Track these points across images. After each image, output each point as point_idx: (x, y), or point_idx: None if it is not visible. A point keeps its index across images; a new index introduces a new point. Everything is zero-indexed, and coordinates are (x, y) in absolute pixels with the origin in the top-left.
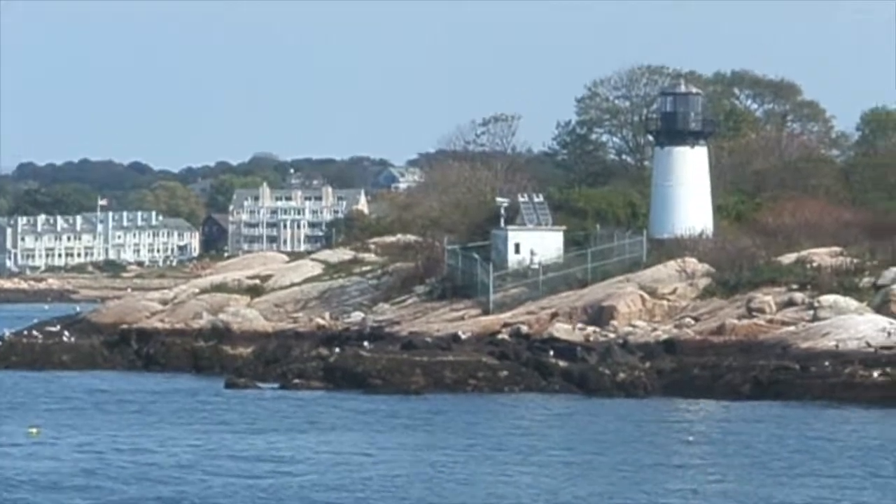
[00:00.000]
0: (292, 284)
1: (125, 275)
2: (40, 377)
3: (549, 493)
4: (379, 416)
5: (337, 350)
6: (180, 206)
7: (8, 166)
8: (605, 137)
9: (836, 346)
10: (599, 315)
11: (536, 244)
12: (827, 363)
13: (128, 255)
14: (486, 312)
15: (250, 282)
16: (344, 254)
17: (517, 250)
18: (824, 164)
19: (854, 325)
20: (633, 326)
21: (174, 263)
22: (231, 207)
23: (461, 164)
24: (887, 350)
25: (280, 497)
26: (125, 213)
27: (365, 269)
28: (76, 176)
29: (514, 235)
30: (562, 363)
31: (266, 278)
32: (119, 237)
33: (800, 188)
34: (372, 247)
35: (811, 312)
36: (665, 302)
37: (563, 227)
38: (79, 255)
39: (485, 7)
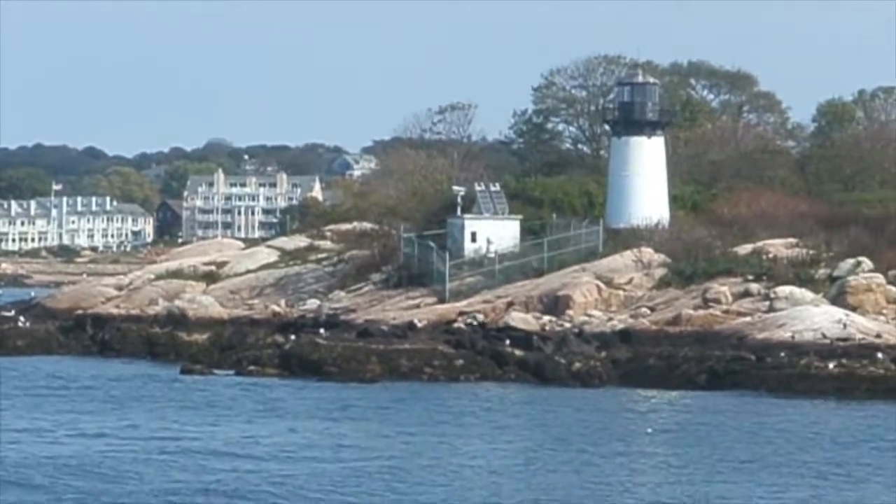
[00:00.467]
0: (248, 271)
1: (79, 260)
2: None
3: (509, 484)
4: (339, 404)
5: (293, 337)
6: (134, 191)
7: None
8: (561, 127)
9: (792, 337)
10: (555, 304)
11: (493, 233)
12: (783, 354)
13: (82, 241)
14: (441, 301)
15: (206, 268)
16: (300, 241)
17: (473, 239)
18: (780, 155)
19: (810, 317)
20: (589, 316)
21: (128, 249)
22: (185, 193)
23: (417, 152)
24: (843, 342)
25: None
26: (79, 199)
27: (321, 256)
28: (30, 160)
29: (470, 224)
30: (517, 352)
31: (222, 265)
32: (73, 222)
33: (755, 179)
34: (328, 234)
35: (767, 303)
36: (621, 292)
37: (520, 217)
38: (33, 239)
39: None
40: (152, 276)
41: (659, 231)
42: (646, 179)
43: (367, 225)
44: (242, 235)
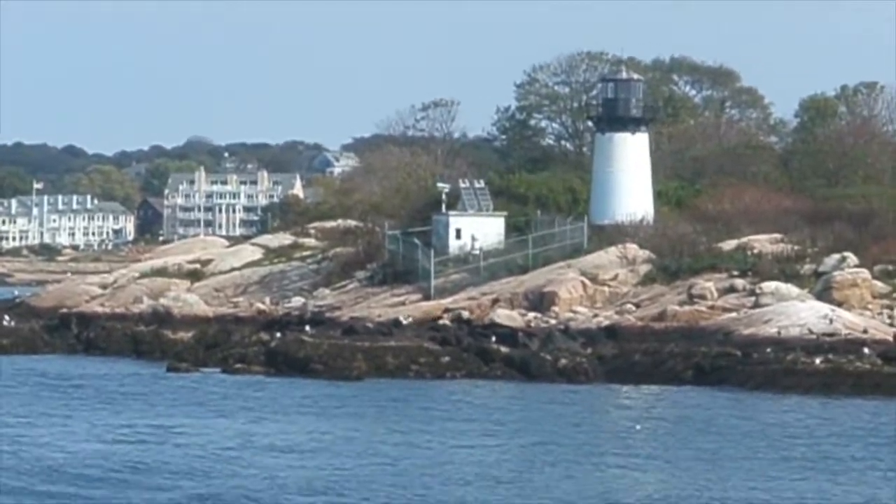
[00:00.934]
0: (232, 269)
1: (60, 258)
2: None
3: (500, 481)
4: (332, 400)
5: (278, 335)
6: (115, 189)
7: None
8: (544, 123)
9: (778, 332)
10: (540, 301)
11: (477, 230)
12: (769, 350)
13: (63, 239)
14: (427, 298)
15: (190, 266)
16: (284, 239)
17: (458, 236)
18: (763, 150)
19: (796, 312)
20: (575, 312)
21: (109, 247)
22: (166, 191)
23: (401, 149)
24: (829, 337)
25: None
26: (60, 197)
27: (305, 254)
28: (10, 159)
29: (455, 221)
30: (503, 349)
31: (206, 263)
32: (54, 221)
33: (739, 175)
34: (312, 232)
35: (752, 299)
36: (606, 288)
37: (504, 213)
38: (14, 238)
39: None
40: (137, 275)
41: (643, 227)
42: (630, 176)
43: (351, 222)
44: (224, 233)
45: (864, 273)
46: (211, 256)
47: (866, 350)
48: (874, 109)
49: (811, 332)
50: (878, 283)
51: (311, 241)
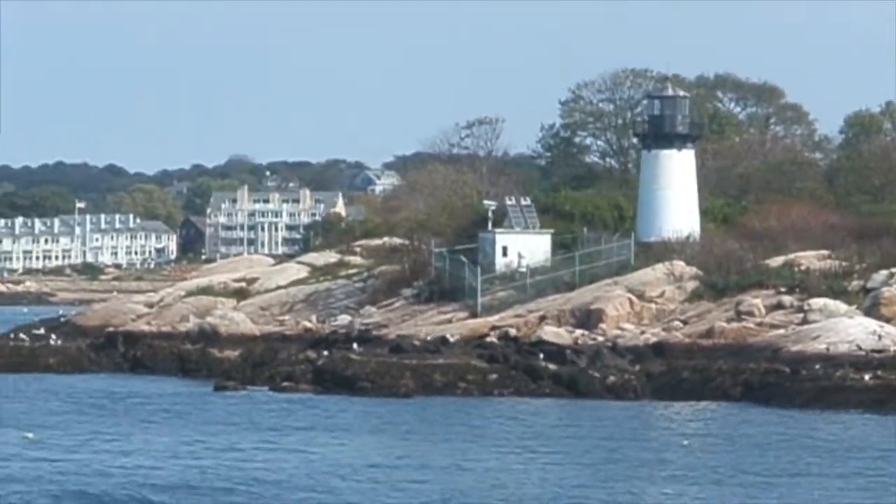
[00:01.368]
0: (278, 287)
1: (103, 277)
2: (34, 380)
3: (553, 496)
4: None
5: (325, 353)
6: (157, 208)
7: None
8: (588, 140)
9: (827, 349)
10: (588, 318)
11: (524, 247)
12: (818, 366)
13: (105, 258)
14: (473, 315)
15: (236, 285)
16: (329, 257)
17: (505, 253)
18: (809, 166)
19: (844, 329)
20: (622, 329)
21: (152, 266)
22: (208, 210)
23: (446, 166)
24: (878, 353)
25: None
26: (103, 216)
27: (351, 272)
28: (52, 178)
29: (501, 238)
30: (551, 366)
31: (252, 281)
32: (97, 240)
33: (784, 191)
34: (357, 250)
35: (800, 315)
36: (653, 305)
37: (551, 231)
38: (56, 257)
39: (463, 8)
40: (182, 293)
41: (690, 244)
42: (676, 192)
43: (396, 240)
44: (266, 252)
45: None
46: (256, 275)
47: None
48: None
49: (860, 348)
50: None
51: (356, 259)
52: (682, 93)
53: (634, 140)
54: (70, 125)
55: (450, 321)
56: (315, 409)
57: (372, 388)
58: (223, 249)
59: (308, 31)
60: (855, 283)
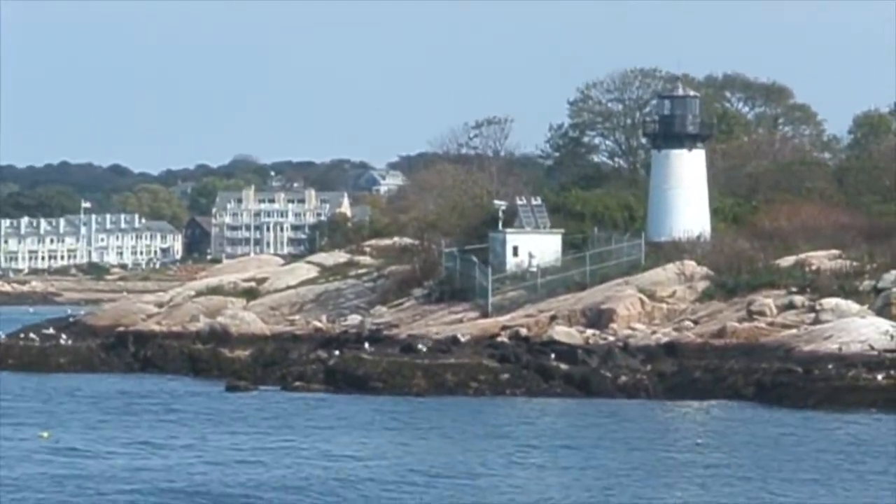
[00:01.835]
0: (288, 287)
1: (108, 277)
2: (48, 380)
3: (570, 494)
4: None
5: (336, 353)
6: (163, 208)
7: None
8: (597, 140)
9: (840, 349)
10: (598, 318)
11: (535, 247)
12: (830, 366)
13: (111, 258)
14: (484, 315)
15: (246, 284)
16: (339, 256)
17: (515, 253)
18: (818, 166)
19: (856, 329)
20: (633, 329)
21: (157, 266)
22: (214, 210)
23: (456, 166)
24: (891, 353)
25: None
26: (108, 216)
27: (361, 271)
28: (56, 178)
29: (512, 238)
30: (563, 366)
31: (262, 281)
32: (102, 240)
33: (794, 191)
34: (367, 250)
35: (812, 315)
36: (664, 305)
37: (562, 230)
38: (62, 257)
39: (469, 8)
40: (192, 293)
41: (701, 244)
42: (687, 192)
43: (406, 240)
44: (271, 252)
45: None
46: (266, 275)
47: None
48: None
49: (872, 348)
50: None
51: (366, 259)
52: (692, 92)
53: (643, 140)
54: (74, 125)
55: (460, 321)
56: (351, 408)
57: (384, 387)
58: (229, 249)
59: (311, 30)
60: (866, 283)
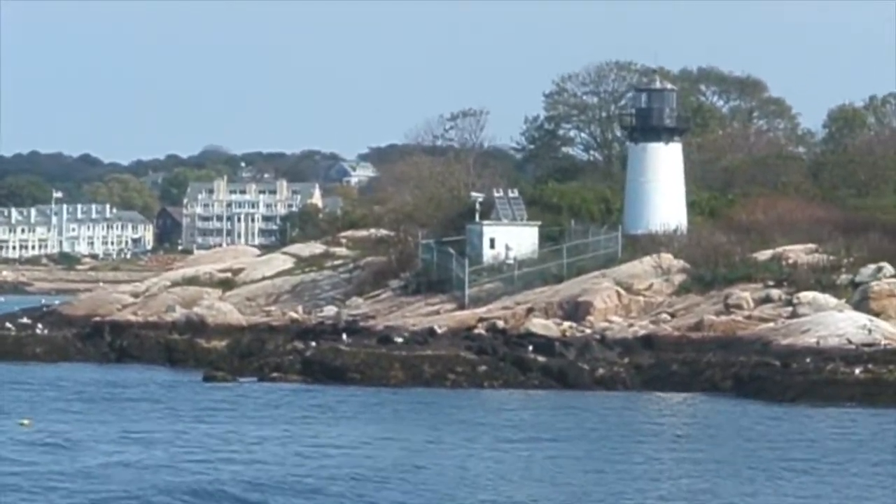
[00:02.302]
0: (264, 278)
1: (79, 267)
2: (25, 370)
3: (548, 486)
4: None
5: (313, 344)
6: (134, 198)
7: None
8: (572, 133)
9: (817, 342)
10: (575, 310)
11: (512, 239)
12: (808, 360)
13: (82, 248)
14: (461, 307)
15: (222, 275)
16: (315, 247)
17: (492, 245)
18: (793, 160)
19: (834, 323)
20: (610, 322)
21: (128, 256)
22: (185, 201)
23: (433, 158)
24: (868, 347)
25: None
26: (79, 206)
27: (336, 263)
28: (26, 168)
29: (489, 230)
30: (540, 358)
31: (237, 272)
32: (73, 230)
33: (770, 185)
34: (343, 241)
35: (789, 309)
36: (641, 298)
37: (538, 223)
38: (33, 247)
39: (441, 0)
40: (168, 283)
41: (677, 237)
42: (663, 186)
43: (383, 231)
44: (242, 243)
45: None
46: (242, 265)
47: None
48: None
49: (850, 342)
50: None
51: (342, 251)
52: (669, 86)
53: (619, 133)
54: (44, 115)
55: (437, 313)
56: (350, 400)
57: (361, 379)
58: (200, 240)
59: (281, 22)
60: (843, 278)
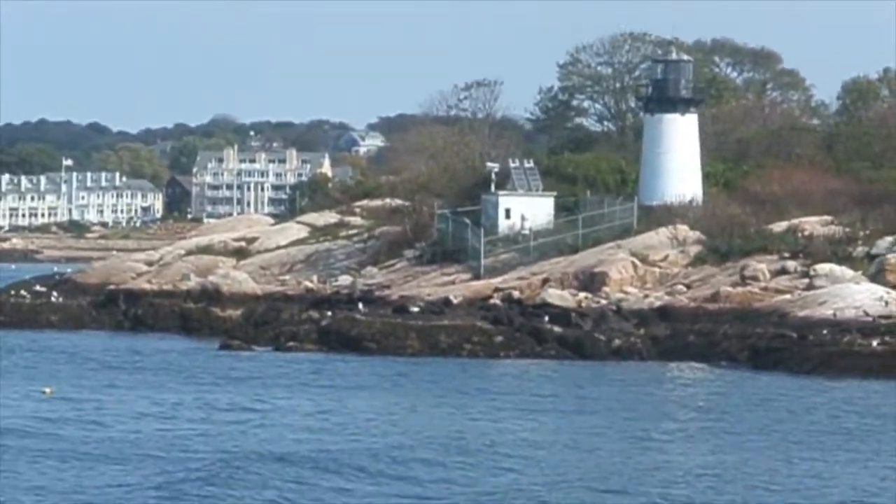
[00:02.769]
0: (278, 247)
1: (89, 235)
2: (41, 338)
3: (579, 459)
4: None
5: (329, 313)
6: (143, 167)
7: None
8: (586, 104)
9: (834, 314)
10: (591, 281)
11: (527, 210)
12: (825, 332)
13: (91, 216)
14: (476, 277)
15: (236, 244)
16: (329, 217)
17: (508, 215)
18: (808, 132)
19: (851, 294)
20: (625, 293)
21: (138, 224)
22: (195, 169)
23: (448, 128)
24: (885, 319)
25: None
26: (89, 174)
27: (351, 232)
28: (34, 136)
29: (504, 201)
30: (556, 329)
31: (251, 241)
32: (83, 198)
33: (784, 156)
34: (357, 210)
35: (805, 281)
36: (656, 269)
37: (554, 193)
38: (42, 215)
39: None
40: (182, 252)
41: (693, 208)
42: (679, 157)
43: (398, 201)
44: (252, 212)
45: None
46: (256, 234)
47: None
48: None
49: (867, 314)
50: None
51: (356, 220)
52: (685, 57)
53: (632, 104)
54: (53, 82)
55: (452, 283)
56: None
57: (377, 348)
58: (209, 209)
59: None
60: (859, 250)
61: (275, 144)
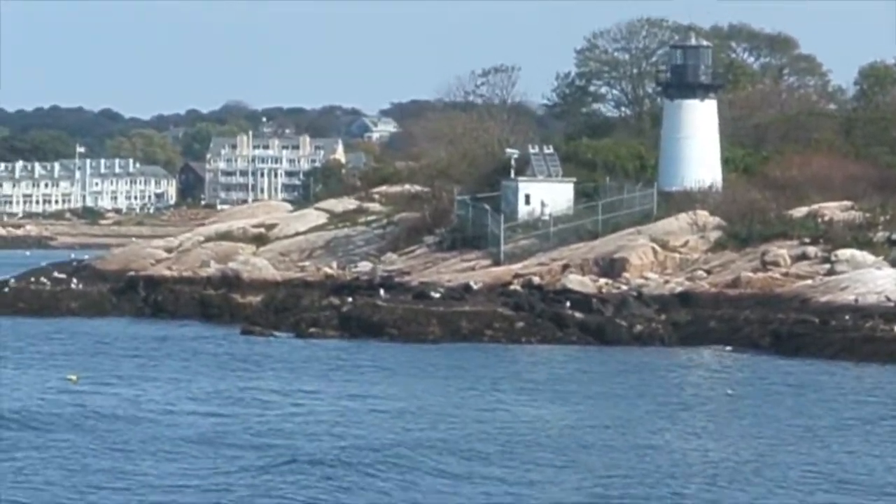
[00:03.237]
0: (297, 234)
1: (103, 222)
2: (64, 325)
3: (610, 442)
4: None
5: (349, 299)
6: (156, 153)
7: None
8: (603, 90)
9: (856, 300)
10: (611, 267)
11: (547, 195)
12: (847, 317)
13: (105, 203)
14: (496, 263)
15: (255, 230)
16: (348, 203)
17: (527, 201)
18: (825, 117)
19: (873, 280)
20: (645, 279)
21: (151, 211)
22: (208, 156)
23: (466, 114)
24: None
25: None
26: (103, 161)
27: (370, 218)
28: (46, 122)
29: (524, 186)
30: (578, 314)
31: (271, 227)
32: (97, 184)
33: (801, 142)
34: (376, 196)
35: (826, 266)
36: (677, 254)
37: (574, 179)
38: (56, 201)
39: None
40: (201, 238)
41: (713, 194)
42: (698, 142)
43: (417, 187)
44: (265, 198)
45: None
46: (275, 221)
47: None
48: None
49: (889, 299)
50: None
51: (375, 206)
52: (705, 42)
53: (650, 89)
54: (65, 69)
55: (473, 269)
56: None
57: (398, 334)
58: (223, 195)
59: None
60: (880, 235)
61: (287, 131)
